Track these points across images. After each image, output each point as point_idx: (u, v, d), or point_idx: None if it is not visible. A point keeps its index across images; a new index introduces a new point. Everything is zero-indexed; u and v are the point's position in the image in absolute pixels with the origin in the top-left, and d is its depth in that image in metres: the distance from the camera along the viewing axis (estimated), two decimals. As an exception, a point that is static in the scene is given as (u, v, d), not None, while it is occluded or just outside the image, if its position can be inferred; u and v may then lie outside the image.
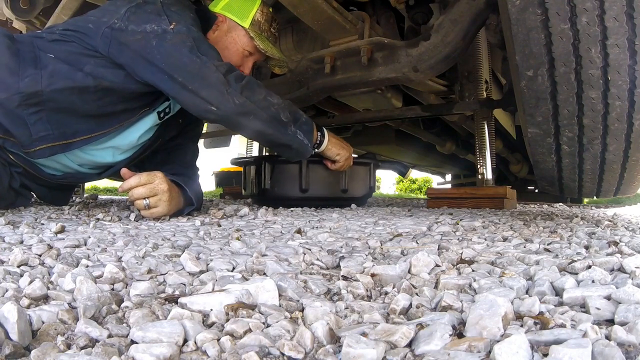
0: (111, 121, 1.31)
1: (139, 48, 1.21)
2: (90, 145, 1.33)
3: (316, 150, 1.51)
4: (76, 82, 1.21)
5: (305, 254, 0.69)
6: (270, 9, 1.51)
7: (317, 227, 1.08)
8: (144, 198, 1.20)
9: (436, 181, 5.84)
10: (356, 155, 1.87)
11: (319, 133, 1.51)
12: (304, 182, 1.79)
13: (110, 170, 1.50)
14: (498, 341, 0.33)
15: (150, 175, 1.22)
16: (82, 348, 0.34)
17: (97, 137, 1.31)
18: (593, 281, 0.51)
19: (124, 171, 1.25)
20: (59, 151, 1.26)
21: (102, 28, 1.23)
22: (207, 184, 6.46)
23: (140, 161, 1.53)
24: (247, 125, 1.29)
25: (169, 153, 1.58)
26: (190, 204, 1.36)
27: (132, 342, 0.35)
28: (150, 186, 1.20)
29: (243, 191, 2.08)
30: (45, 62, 1.22)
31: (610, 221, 1.31)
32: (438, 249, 0.73)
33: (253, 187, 1.95)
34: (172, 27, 1.23)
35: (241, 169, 2.11)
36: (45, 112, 1.20)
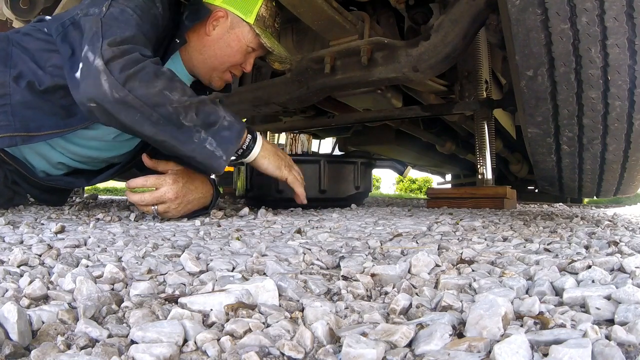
0: (79, 118, 1.23)
1: (70, 39, 1.13)
2: (62, 138, 1.29)
3: (243, 160, 1.20)
4: (39, 82, 1.19)
5: (305, 254, 0.69)
6: (274, 2, 1.40)
7: (317, 227, 1.08)
8: (152, 205, 1.16)
9: (436, 181, 5.83)
10: (342, 153, 1.84)
11: (248, 137, 1.20)
12: (281, 183, 1.79)
13: (101, 177, 1.45)
14: (498, 341, 0.33)
15: (159, 179, 1.17)
16: (82, 348, 0.34)
17: (62, 133, 1.25)
18: (593, 281, 0.51)
19: (144, 157, 1.21)
20: (19, 142, 1.20)
21: (63, 19, 1.20)
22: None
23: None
24: (132, 127, 1.05)
25: None
26: (217, 192, 1.31)
27: (132, 342, 0.35)
28: (157, 195, 1.16)
29: (236, 192, 2.09)
30: (16, 59, 1.20)
31: (610, 221, 1.31)
32: (438, 249, 0.73)
33: (241, 187, 1.96)
34: (104, 9, 1.10)
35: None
36: (10, 105, 1.18)
